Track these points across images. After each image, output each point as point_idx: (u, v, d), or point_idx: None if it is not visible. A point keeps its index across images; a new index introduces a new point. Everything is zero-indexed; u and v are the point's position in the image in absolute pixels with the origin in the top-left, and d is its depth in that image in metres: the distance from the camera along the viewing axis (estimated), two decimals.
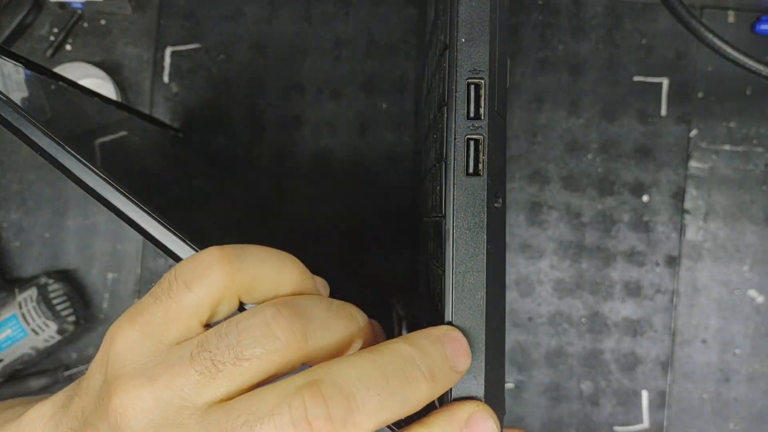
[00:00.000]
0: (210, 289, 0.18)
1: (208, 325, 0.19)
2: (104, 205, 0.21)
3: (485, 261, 0.20)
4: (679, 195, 0.49)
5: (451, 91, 0.20)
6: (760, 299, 0.49)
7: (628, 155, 0.49)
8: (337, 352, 0.19)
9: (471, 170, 0.20)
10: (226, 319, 0.19)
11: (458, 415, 0.19)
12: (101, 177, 0.21)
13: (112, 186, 0.21)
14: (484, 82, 0.20)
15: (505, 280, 0.22)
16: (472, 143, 0.20)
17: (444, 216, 0.20)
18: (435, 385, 0.18)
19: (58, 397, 0.21)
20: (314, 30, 0.50)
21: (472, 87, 0.20)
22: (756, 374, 0.49)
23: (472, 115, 0.20)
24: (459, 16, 0.20)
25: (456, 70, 0.20)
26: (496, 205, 0.20)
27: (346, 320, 0.20)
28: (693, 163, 0.49)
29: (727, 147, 0.49)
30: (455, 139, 0.20)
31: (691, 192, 0.49)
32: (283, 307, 0.18)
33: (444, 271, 0.20)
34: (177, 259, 0.21)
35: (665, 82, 0.49)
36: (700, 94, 0.50)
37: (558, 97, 0.49)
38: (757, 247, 0.49)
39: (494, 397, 0.20)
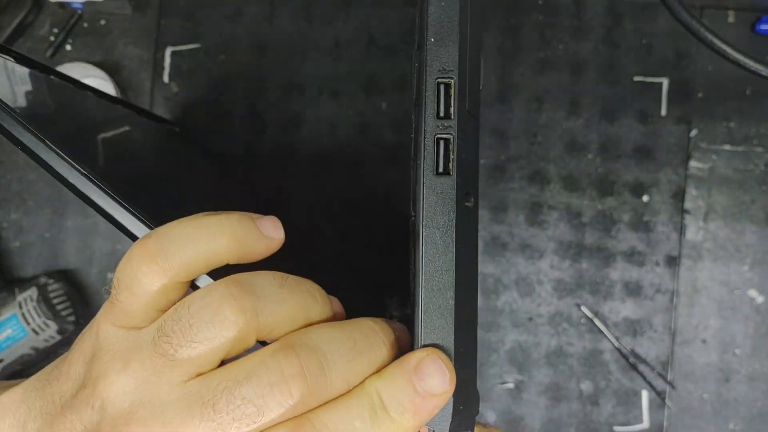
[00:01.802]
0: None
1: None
2: (86, 202, 0.21)
3: (455, 260, 0.20)
4: (679, 195, 0.49)
5: (421, 90, 0.20)
6: (760, 299, 0.49)
7: (628, 155, 0.49)
8: (294, 325, 0.20)
9: (441, 170, 0.20)
10: None
11: (408, 362, 0.19)
12: (81, 172, 0.21)
13: (84, 174, 0.21)
14: (454, 82, 0.20)
15: (476, 279, 0.22)
16: (441, 143, 0.20)
17: (415, 215, 0.20)
18: (396, 352, 0.20)
19: (30, 382, 0.22)
20: (314, 30, 0.50)
21: (442, 87, 0.20)
22: (756, 374, 0.49)
23: (441, 114, 0.20)
24: (429, 16, 0.20)
25: (426, 70, 0.20)
26: (467, 204, 0.20)
27: (300, 295, 0.20)
28: (693, 163, 0.49)
29: (727, 147, 0.49)
30: (425, 138, 0.20)
31: (691, 192, 0.49)
32: (233, 286, 0.19)
33: (415, 270, 0.20)
34: (134, 239, 0.21)
35: (665, 82, 0.49)
36: (700, 94, 0.50)
37: (558, 97, 0.49)
38: (757, 247, 0.49)
39: (466, 398, 0.20)
